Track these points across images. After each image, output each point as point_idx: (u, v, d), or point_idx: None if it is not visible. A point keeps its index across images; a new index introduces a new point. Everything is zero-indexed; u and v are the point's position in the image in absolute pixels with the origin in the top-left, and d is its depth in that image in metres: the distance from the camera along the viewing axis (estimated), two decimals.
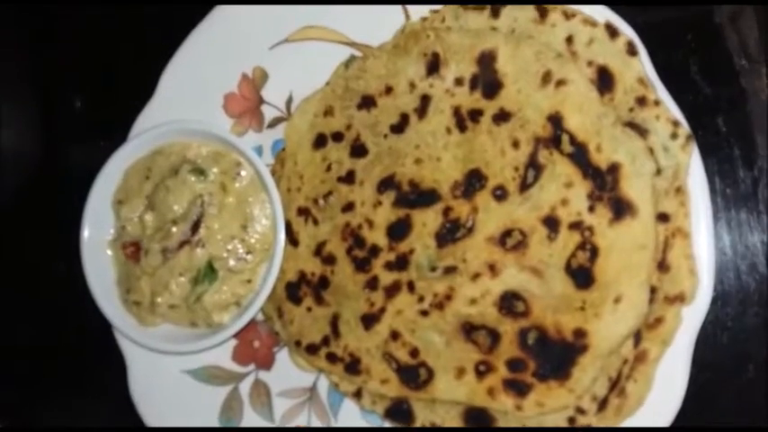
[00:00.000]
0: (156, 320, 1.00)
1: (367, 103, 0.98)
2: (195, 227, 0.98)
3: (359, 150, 0.98)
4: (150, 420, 1.01)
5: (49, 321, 1.11)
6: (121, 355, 1.02)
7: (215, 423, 1.01)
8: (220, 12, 1.02)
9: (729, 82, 0.98)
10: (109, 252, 1.02)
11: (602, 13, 0.91)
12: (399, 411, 0.95)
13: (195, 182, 0.99)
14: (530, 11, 0.92)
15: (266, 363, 1.02)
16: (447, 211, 0.93)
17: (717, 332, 0.96)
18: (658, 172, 0.88)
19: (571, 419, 0.89)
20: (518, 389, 0.88)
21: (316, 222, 0.99)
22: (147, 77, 1.03)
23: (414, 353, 0.93)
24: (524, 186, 0.90)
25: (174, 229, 0.98)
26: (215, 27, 1.02)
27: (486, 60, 0.92)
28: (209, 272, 0.98)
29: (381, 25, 1.00)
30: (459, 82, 0.94)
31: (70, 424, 1.10)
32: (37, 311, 1.12)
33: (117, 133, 1.03)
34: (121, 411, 1.02)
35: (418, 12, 0.99)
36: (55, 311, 1.11)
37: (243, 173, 1.00)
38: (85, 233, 1.00)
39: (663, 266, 0.88)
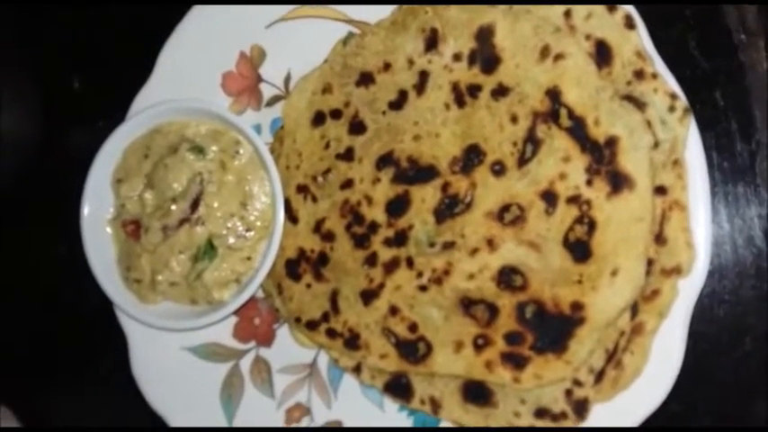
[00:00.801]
0: (157, 298, 1.01)
1: (365, 79, 0.98)
2: (195, 205, 0.98)
3: (357, 127, 0.98)
4: (152, 397, 1.01)
5: (50, 301, 1.11)
6: (123, 333, 1.02)
7: (216, 399, 1.02)
8: None
9: (728, 55, 0.98)
10: (109, 230, 1.02)
11: None
12: (398, 386, 0.96)
13: (194, 160, 0.99)
14: None
15: (267, 339, 1.03)
16: (445, 186, 0.93)
17: (714, 305, 0.97)
18: (656, 145, 0.88)
19: (568, 391, 0.89)
20: (516, 362, 0.89)
21: (315, 199, 1.00)
22: (144, 57, 1.03)
23: (412, 327, 0.94)
24: (522, 161, 0.90)
25: (174, 207, 0.98)
26: (212, 6, 1.02)
27: (485, 35, 0.92)
28: (209, 249, 0.98)
29: (379, 2, 0.99)
30: (457, 57, 0.93)
31: (72, 403, 1.10)
32: (38, 292, 1.12)
33: (115, 113, 1.03)
34: (123, 389, 1.02)
35: None
36: (56, 291, 1.11)
37: (242, 151, 1.00)
38: (85, 211, 1.00)
39: (660, 239, 0.88)
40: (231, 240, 0.99)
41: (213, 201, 0.98)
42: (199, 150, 0.99)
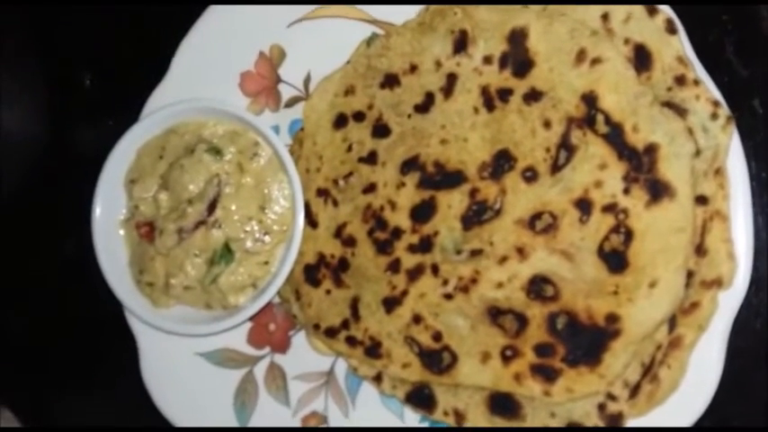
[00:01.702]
0: (170, 302, 0.99)
1: (390, 81, 0.96)
2: (211, 207, 0.96)
3: (381, 130, 0.96)
4: (163, 404, 0.99)
5: (60, 303, 1.09)
6: (132, 336, 1.00)
7: (229, 407, 1.00)
8: None
9: (766, 63, 0.96)
10: (121, 232, 1.00)
11: None
12: (421, 396, 0.94)
13: (211, 161, 0.96)
14: None
15: (282, 346, 1.01)
16: (474, 192, 0.91)
17: (750, 318, 0.94)
18: (697, 153, 0.86)
19: (601, 406, 0.87)
20: (546, 374, 0.87)
21: (335, 203, 0.97)
22: (160, 54, 1.01)
23: (437, 336, 0.92)
24: (556, 168, 0.88)
25: (190, 210, 0.95)
26: (231, 4, 1.00)
27: (517, 38, 0.90)
28: (226, 253, 0.96)
29: (405, 2, 0.97)
30: (487, 60, 0.91)
31: (81, 409, 1.09)
32: (48, 294, 1.10)
33: (128, 112, 1.01)
34: (134, 395, 1.00)
35: None
36: (66, 294, 1.09)
37: (260, 153, 0.98)
38: (97, 212, 0.98)
39: (700, 250, 0.86)
40: (249, 244, 0.97)
41: (231, 203, 0.96)
42: (216, 151, 0.97)
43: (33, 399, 1.09)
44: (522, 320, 0.88)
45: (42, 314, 1.10)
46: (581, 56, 0.87)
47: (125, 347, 1.00)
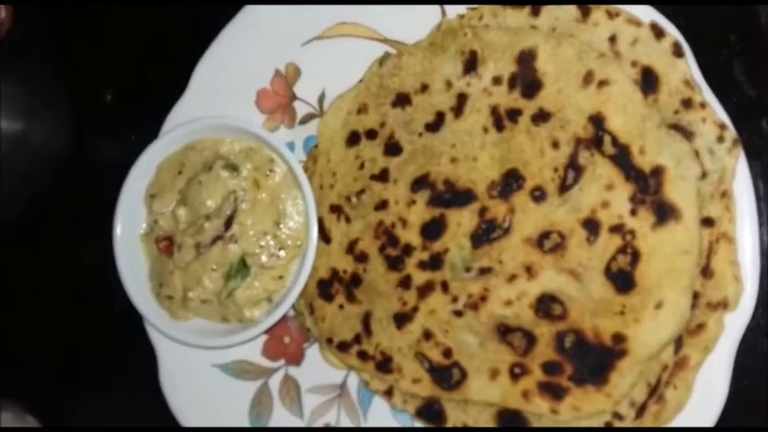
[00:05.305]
0: (188, 315, 1.01)
1: (402, 100, 0.97)
2: (228, 222, 0.97)
3: (393, 148, 0.97)
4: (181, 414, 1.01)
5: (81, 315, 1.12)
6: (150, 344, 1.02)
7: (245, 417, 1.01)
8: (253, 8, 1.02)
9: None
10: (141, 246, 1.02)
11: (647, 13, 0.90)
12: (431, 411, 0.95)
13: (228, 177, 0.98)
14: (571, 10, 0.91)
15: (296, 359, 1.02)
16: (483, 211, 0.92)
17: (758, 339, 0.94)
18: (703, 176, 0.86)
19: (608, 424, 0.88)
20: (554, 392, 0.87)
21: (348, 220, 0.99)
22: (179, 72, 1.03)
23: (447, 353, 0.93)
24: (564, 188, 0.89)
25: (207, 225, 0.97)
26: (248, 23, 1.02)
27: (526, 59, 0.91)
28: (242, 267, 0.98)
29: (416, 23, 0.99)
30: (497, 81, 0.92)
31: (101, 417, 1.10)
32: (69, 305, 1.12)
33: (148, 128, 1.03)
34: (152, 405, 1.02)
35: (455, 10, 0.97)
36: (87, 305, 1.11)
37: (276, 169, 1.00)
38: (118, 227, 1.00)
39: (706, 272, 0.86)
40: (264, 259, 0.98)
41: (247, 219, 0.98)
42: (233, 168, 0.99)
43: (56, 406, 1.11)
44: (531, 338, 0.89)
45: (66, 324, 1.12)
46: (588, 78, 0.88)
47: (145, 357, 1.02)
